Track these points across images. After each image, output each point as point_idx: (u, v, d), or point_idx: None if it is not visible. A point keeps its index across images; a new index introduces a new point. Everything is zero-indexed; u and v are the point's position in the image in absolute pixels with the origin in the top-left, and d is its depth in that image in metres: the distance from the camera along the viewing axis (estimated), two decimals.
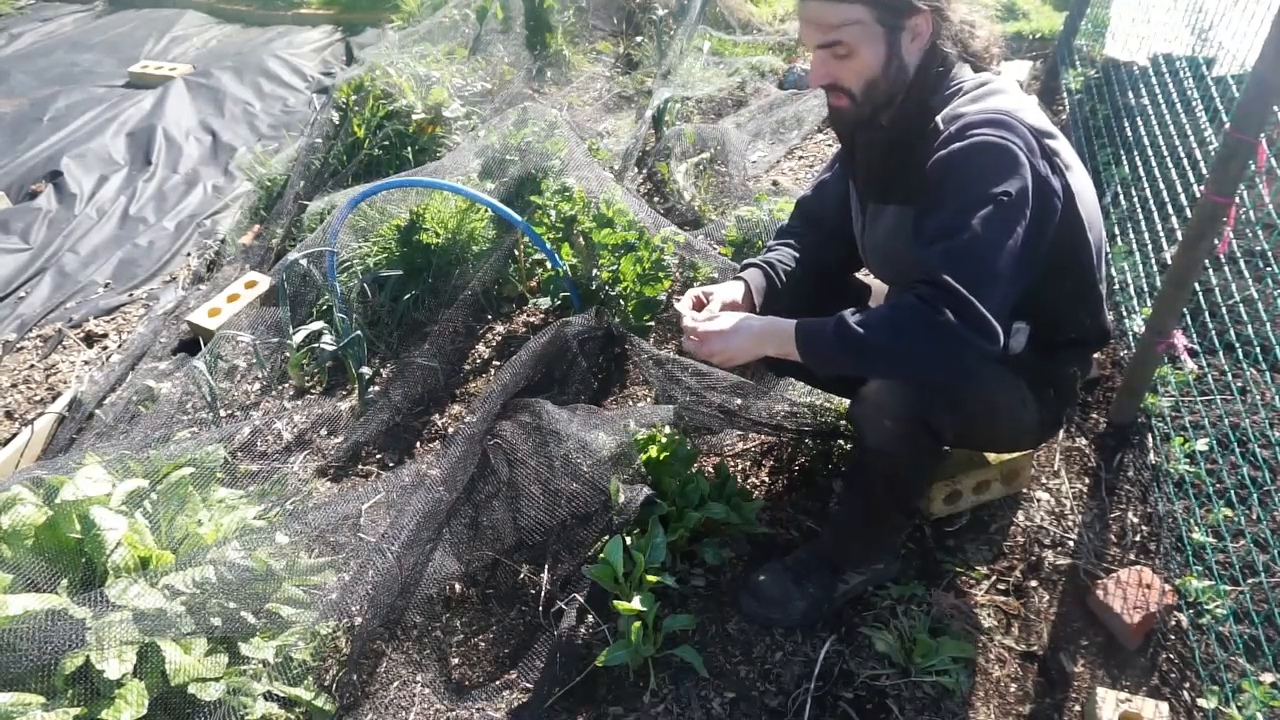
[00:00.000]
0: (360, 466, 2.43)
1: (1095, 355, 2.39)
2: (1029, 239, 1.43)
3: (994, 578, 1.97)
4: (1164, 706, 1.64)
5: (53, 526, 1.75)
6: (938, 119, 1.53)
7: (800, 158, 3.86)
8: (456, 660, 1.91)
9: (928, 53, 1.54)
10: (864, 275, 2.11)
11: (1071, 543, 2.03)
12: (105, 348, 3.08)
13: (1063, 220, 1.51)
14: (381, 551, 1.87)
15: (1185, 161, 2.43)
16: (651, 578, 1.83)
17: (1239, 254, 2.06)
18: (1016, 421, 1.75)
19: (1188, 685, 1.74)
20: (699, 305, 1.84)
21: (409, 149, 3.46)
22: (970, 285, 1.37)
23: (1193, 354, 2.07)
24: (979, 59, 1.60)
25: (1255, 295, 2.12)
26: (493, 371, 2.70)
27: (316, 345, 2.57)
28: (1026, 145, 1.44)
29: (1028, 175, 1.42)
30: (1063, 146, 1.53)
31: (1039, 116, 1.52)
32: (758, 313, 1.86)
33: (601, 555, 1.89)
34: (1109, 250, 2.68)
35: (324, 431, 2.56)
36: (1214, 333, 2.07)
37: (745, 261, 1.96)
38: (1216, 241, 1.86)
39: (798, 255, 1.94)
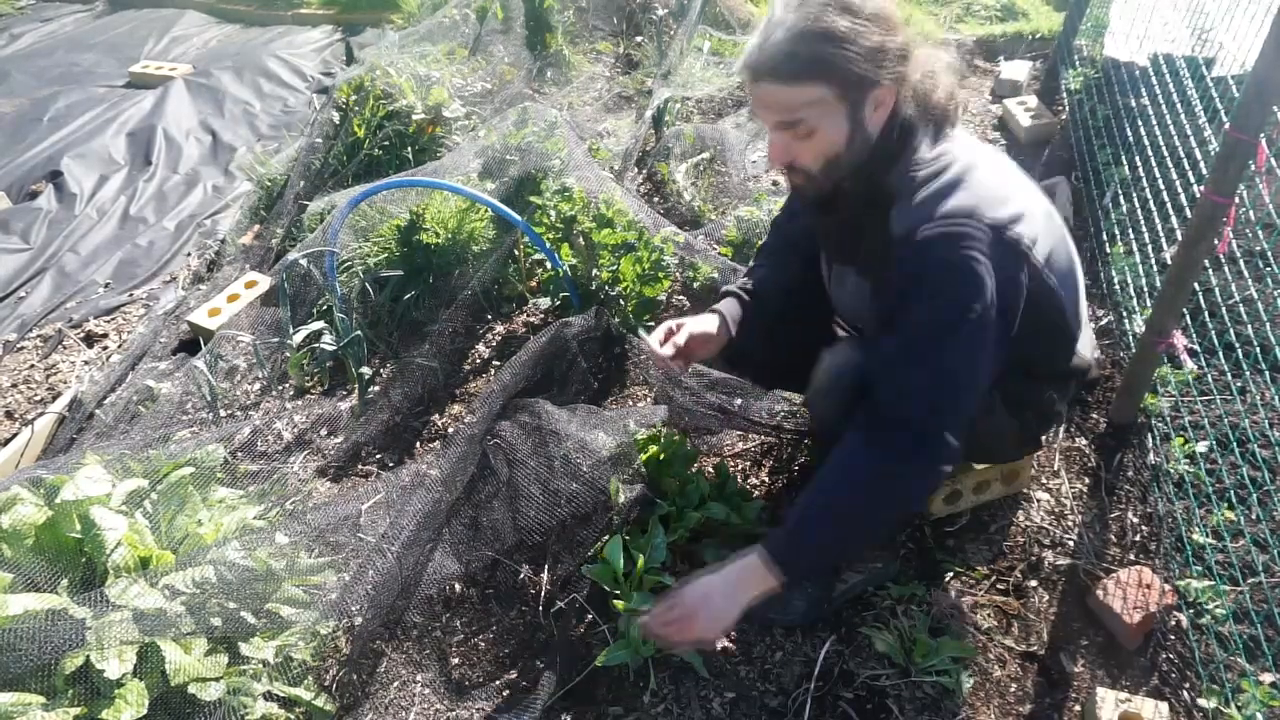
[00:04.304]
0: (360, 466, 2.43)
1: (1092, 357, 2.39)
2: (996, 343, 1.44)
3: (994, 578, 1.97)
4: (1164, 706, 1.64)
5: (53, 526, 1.75)
6: (893, 213, 1.47)
7: None
8: (456, 660, 1.91)
9: (887, 120, 1.45)
10: None
11: (1071, 543, 2.03)
12: (105, 348, 3.08)
13: (1033, 298, 1.48)
14: (381, 551, 1.87)
15: (1185, 161, 2.43)
16: (651, 578, 1.84)
17: (1239, 254, 2.06)
18: (995, 438, 1.79)
19: (1188, 685, 1.74)
20: (670, 336, 1.81)
21: (409, 149, 3.46)
22: (940, 415, 1.42)
23: (1192, 354, 2.07)
24: (941, 114, 1.48)
25: (1255, 295, 2.12)
26: (493, 371, 2.70)
27: (316, 345, 2.57)
28: (988, 251, 1.38)
29: (990, 287, 1.39)
30: (1026, 224, 1.45)
31: (999, 195, 1.44)
32: (734, 341, 1.84)
33: (601, 555, 1.89)
34: (1109, 258, 2.68)
35: (324, 431, 2.56)
36: (1214, 333, 2.07)
37: (723, 289, 1.95)
38: (1216, 241, 1.86)
39: (779, 276, 1.92)
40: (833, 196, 1.53)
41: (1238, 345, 2.04)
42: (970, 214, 1.39)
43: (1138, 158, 2.79)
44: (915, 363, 1.43)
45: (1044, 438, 1.97)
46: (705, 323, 1.83)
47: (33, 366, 3.02)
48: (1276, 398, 2.04)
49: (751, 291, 1.89)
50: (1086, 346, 1.76)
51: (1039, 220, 1.50)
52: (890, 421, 1.44)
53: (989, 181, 1.45)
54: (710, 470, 2.19)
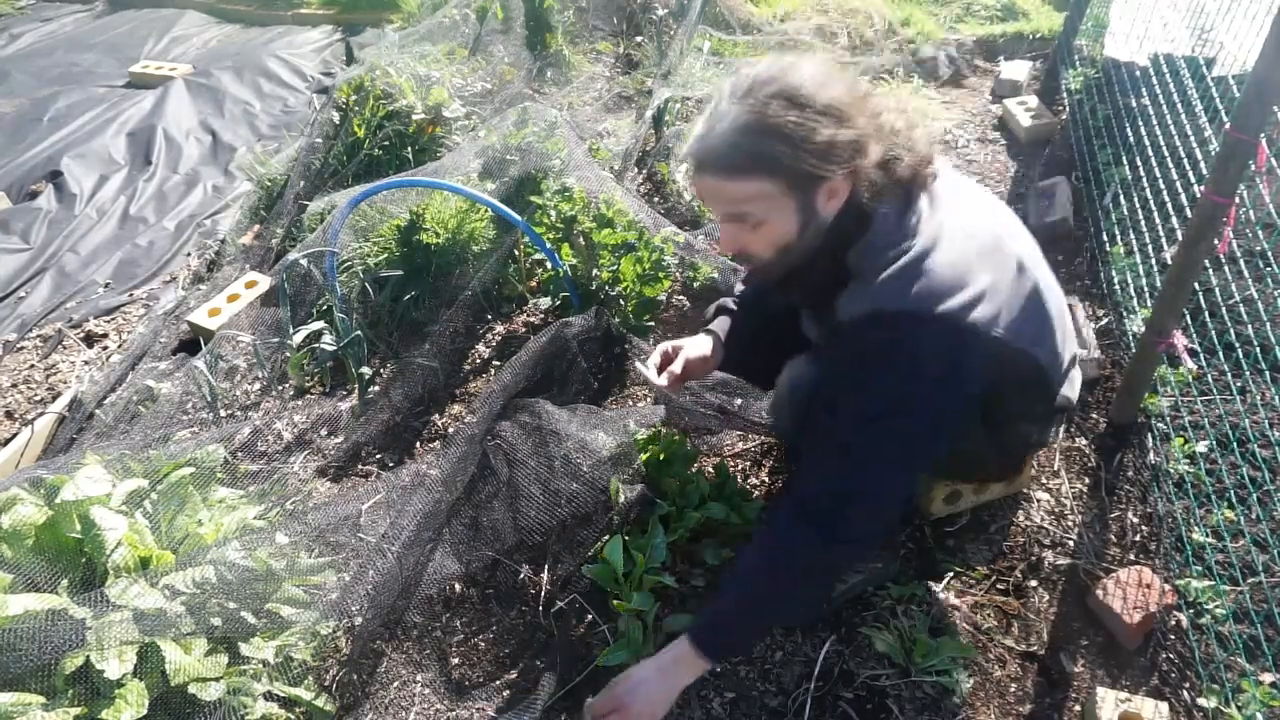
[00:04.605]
0: (360, 466, 2.43)
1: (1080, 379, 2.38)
2: (939, 435, 1.43)
3: (994, 578, 1.97)
4: (1164, 706, 1.64)
5: (53, 526, 1.75)
6: (843, 296, 1.43)
7: None
8: (456, 660, 1.91)
9: (845, 203, 1.39)
10: None
11: (1071, 543, 2.03)
12: (105, 348, 3.08)
13: (1003, 362, 1.44)
14: (382, 552, 1.87)
15: (1185, 161, 2.43)
16: (651, 578, 1.84)
17: (1239, 254, 2.06)
18: (971, 462, 1.82)
19: (1188, 685, 1.74)
20: (667, 360, 1.84)
21: (409, 149, 3.46)
22: (854, 513, 1.42)
23: (1192, 354, 2.07)
24: (908, 184, 1.41)
25: (1255, 295, 2.12)
26: (493, 371, 2.70)
27: (316, 345, 2.57)
28: (935, 347, 1.35)
29: (931, 384, 1.37)
30: (986, 303, 1.38)
31: (957, 278, 1.36)
32: (727, 355, 1.88)
33: (601, 555, 1.89)
34: (1109, 258, 2.68)
35: (324, 431, 2.56)
36: (1214, 333, 2.07)
37: (717, 304, 1.96)
38: (1216, 241, 1.86)
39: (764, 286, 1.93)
40: (787, 277, 1.49)
41: (1238, 345, 2.04)
42: (920, 310, 1.34)
43: (1138, 158, 2.79)
44: (840, 456, 1.42)
45: (1022, 460, 2.02)
46: (700, 345, 1.85)
47: (33, 366, 3.02)
48: (1276, 398, 2.04)
49: (740, 303, 1.93)
50: (1072, 385, 1.72)
51: (1004, 288, 1.43)
52: (808, 509, 1.44)
53: (948, 261, 1.37)
54: (710, 470, 2.19)
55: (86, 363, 3.01)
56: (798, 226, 1.38)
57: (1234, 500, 1.93)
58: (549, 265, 2.66)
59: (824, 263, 1.44)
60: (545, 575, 2.00)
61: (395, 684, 1.86)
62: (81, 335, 3.14)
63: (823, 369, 1.54)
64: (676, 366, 1.80)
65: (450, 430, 2.50)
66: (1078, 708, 1.73)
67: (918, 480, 1.46)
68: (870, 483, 1.42)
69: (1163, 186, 2.51)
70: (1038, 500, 2.13)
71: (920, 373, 1.36)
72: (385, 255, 2.92)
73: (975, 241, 1.43)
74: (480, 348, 2.82)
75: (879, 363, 1.38)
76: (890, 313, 1.36)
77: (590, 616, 1.89)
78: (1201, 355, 2.12)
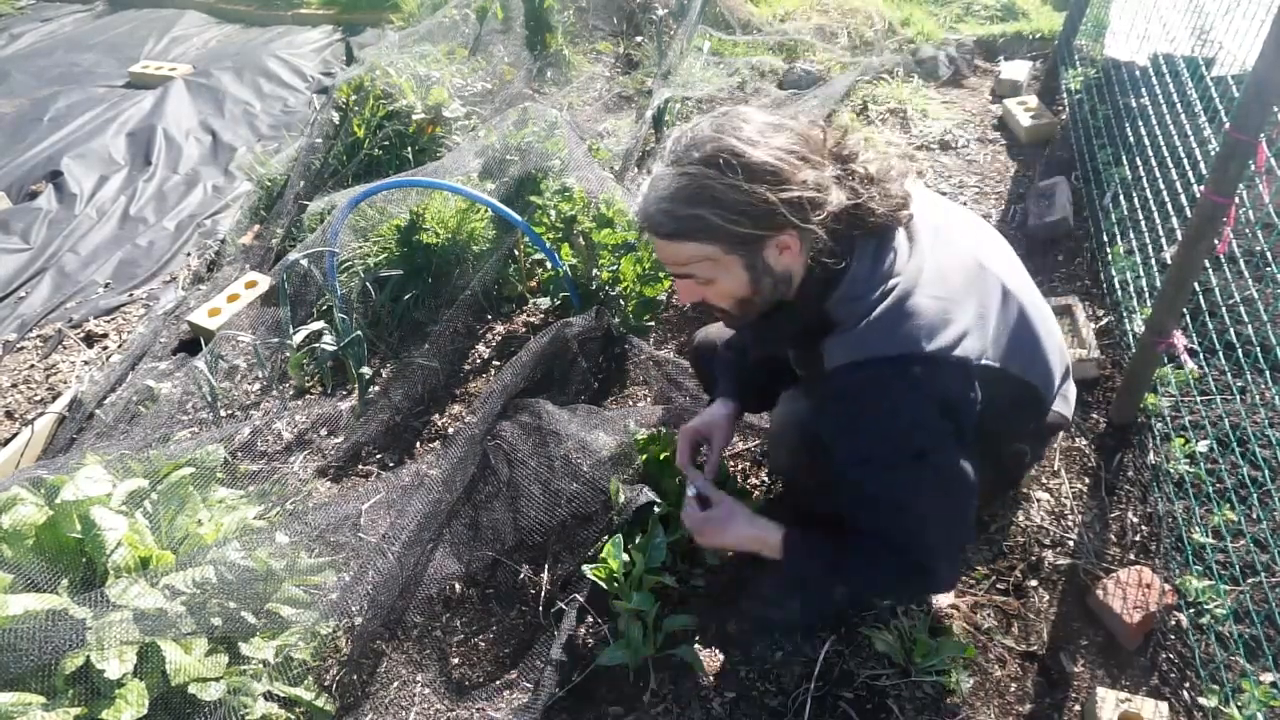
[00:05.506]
0: (360, 466, 2.43)
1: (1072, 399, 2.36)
2: (961, 460, 1.41)
3: (994, 578, 1.97)
4: (1164, 706, 1.65)
5: (53, 526, 1.75)
6: (827, 343, 1.39)
7: None
8: (456, 660, 1.91)
9: (810, 255, 1.35)
10: None
11: (1071, 543, 2.03)
12: (105, 348, 3.08)
13: (994, 389, 1.42)
14: (382, 552, 1.87)
15: (1185, 161, 2.43)
16: (651, 578, 1.84)
17: (1239, 254, 2.06)
18: None
19: (1188, 685, 1.74)
20: (694, 445, 1.84)
21: (409, 149, 3.46)
22: (935, 549, 1.44)
23: (1192, 354, 2.07)
24: (882, 225, 1.37)
25: (1255, 295, 2.11)
26: (493, 371, 2.70)
27: (317, 345, 2.57)
28: (928, 386, 1.33)
29: (933, 421, 1.35)
30: (973, 336, 1.36)
31: (940, 317, 1.33)
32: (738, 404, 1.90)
33: (601, 555, 1.89)
34: (1109, 258, 2.67)
35: (324, 431, 2.56)
36: (1214, 333, 2.07)
37: (717, 356, 1.95)
38: (1216, 241, 1.86)
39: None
40: (765, 334, 1.48)
41: (1238, 345, 2.04)
42: (911, 351, 1.32)
43: (1138, 158, 2.79)
44: (887, 511, 1.42)
45: (1015, 481, 2.05)
46: (721, 423, 1.84)
47: (33, 366, 3.02)
48: (1277, 398, 2.04)
49: (732, 346, 1.92)
50: (1066, 401, 1.71)
51: (991, 316, 1.42)
52: (887, 546, 1.45)
53: (932, 297, 1.35)
54: None
55: (86, 363, 3.01)
56: (748, 283, 1.37)
57: (1234, 500, 1.93)
58: (549, 265, 2.66)
59: (804, 313, 1.41)
60: (545, 575, 2.00)
61: (395, 684, 1.86)
62: (81, 335, 3.14)
63: (825, 424, 1.48)
64: (714, 458, 1.82)
65: (450, 430, 2.50)
66: (1078, 708, 1.73)
67: (973, 503, 1.47)
68: (926, 523, 1.42)
69: (1163, 186, 2.51)
70: (1038, 500, 2.13)
71: (925, 411, 1.34)
72: (385, 255, 2.92)
73: (958, 273, 1.40)
74: (480, 348, 2.82)
75: (884, 411, 1.35)
76: (881, 359, 1.33)
77: (590, 616, 1.89)
78: (1201, 355, 2.12)
